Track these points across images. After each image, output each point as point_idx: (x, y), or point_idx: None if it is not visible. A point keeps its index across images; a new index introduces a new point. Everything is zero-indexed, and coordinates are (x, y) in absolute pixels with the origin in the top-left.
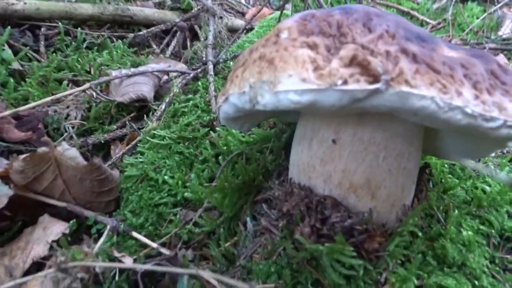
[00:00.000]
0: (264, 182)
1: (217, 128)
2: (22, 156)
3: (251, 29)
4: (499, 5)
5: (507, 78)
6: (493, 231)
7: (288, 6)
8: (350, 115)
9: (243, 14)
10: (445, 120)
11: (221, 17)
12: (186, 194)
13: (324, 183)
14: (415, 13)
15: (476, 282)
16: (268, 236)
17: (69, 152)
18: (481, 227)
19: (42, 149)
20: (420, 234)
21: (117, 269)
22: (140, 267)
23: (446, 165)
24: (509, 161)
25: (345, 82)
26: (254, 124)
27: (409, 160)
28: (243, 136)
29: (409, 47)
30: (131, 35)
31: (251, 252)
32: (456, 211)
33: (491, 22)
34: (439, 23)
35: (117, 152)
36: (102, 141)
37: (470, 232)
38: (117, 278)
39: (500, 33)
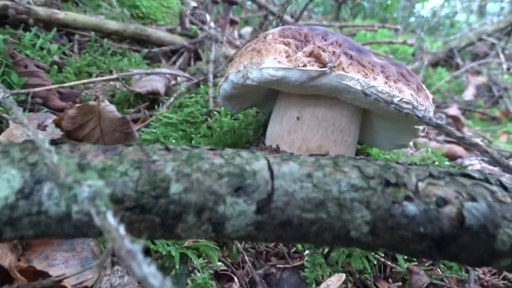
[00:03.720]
0: (245, 145)
1: (214, 116)
2: (76, 105)
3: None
4: (461, 70)
5: (411, 78)
6: None
7: None
8: (311, 99)
9: (236, 47)
10: (364, 97)
11: (221, 42)
12: None
13: (289, 148)
14: None
15: None
16: None
17: (109, 107)
18: None
19: (91, 102)
20: None
21: None
22: None
23: (380, 154)
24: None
25: (304, 65)
26: (243, 106)
27: (349, 135)
28: (233, 122)
29: (348, 52)
30: (146, 50)
31: None
32: None
33: (456, 86)
34: None
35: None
36: None
37: None
38: None
39: (463, 95)
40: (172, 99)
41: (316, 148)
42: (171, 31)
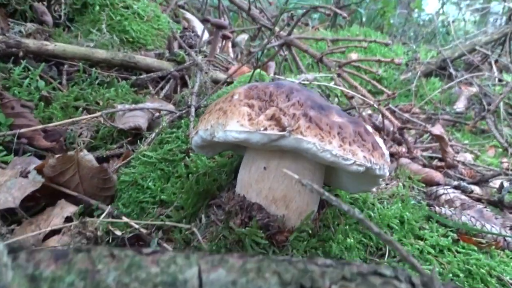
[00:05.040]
0: (216, 192)
1: (191, 155)
2: (56, 156)
3: (231, 82)
4: (455, 81)
5: (367, 137)
6: (372, 243)
7: (272, 63)
8: (276, 152)
9: (227, 69)
10: (321, 157)
11: (206, 73)
12: (162, 197)
13: (257, 196)
14: (375, 82)
15: None
16: (214, 227)
17: (87, 156)
18: (363, 239)
19: (70, 153)
20: (310, 231)
21: (111, 237)
22: (143, 222)
23: (349, 198)
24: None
25: (265, 129)
26: (215, 152)
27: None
28: (209, 162)
29: (309, 112)
30: (134, 77)
31: (202, 237)
32: (347, 226)
33: (448, 97)
34: (393, 93)
35: (115, 165)
36: (104, 156)
37: (353, 241)
38: (110, 242)
39: (454, 107)
40: (153, 134)
41: (281, 198)
42: (160, 55)
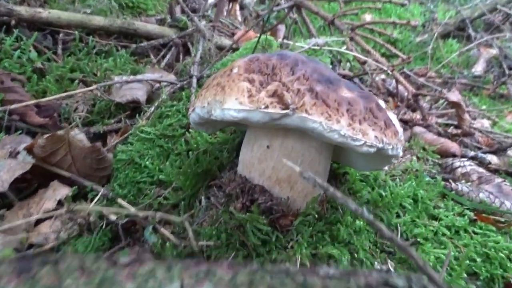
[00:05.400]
0: (217, 171)
1: (191, 130)
2: (45, 135)
3: (237, 49)
4: (474, 43)
5: (379, 114)
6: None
7: (281, 26)
8: (280, 130)
9: (233, 34)
10: (328, 137)
11: (209, 40)
12: (161, 176)
13: (259, 176)
14: (389, 46)
15: (356, 255)
16: (214, 210)
17: (78, 136)
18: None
19: (59, 132)
20: (316, 215)
21: (105, 222)
22: (139, 213)
23: (359, 175)
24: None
25: (266, 107)
26: (216, 129)
27: (319, 165)
28: (210, 138)
29: (315, 87)
30: (134, 45)
31: (201, 221)
32: None
33: (466, 60)
34: (408, 57)
35: (112, 141)
36: (101, 132)
37: (362, 223)
38: (103, 227)
39: (472, 70)
40: (153, 108)
41: (286, 179)
42: (161, 21)
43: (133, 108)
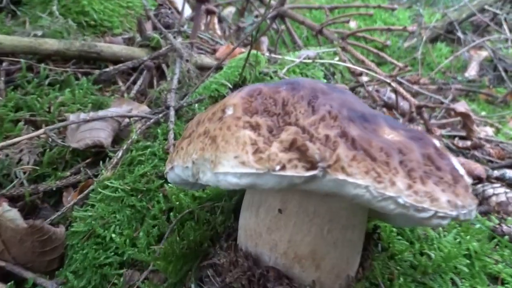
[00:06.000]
0: (211, 246)
1: None
2: None
3: (221, 68)
4: (467, 47)
5: (442, 163)
6: None
7: (264, 39)
8: None
9: (214, 51)
10: (380, 208)
11: (187, 60)
12: (131, 252)
13: (270, 251)
14: (384, 54)
15: None
16: None
17: (9, 213)
18: None
19: None
20: None
21: None
22: None
23: (395, 227)
24: None
25: (283, 168)
26: (202, 187)
27: (353, 232)
28: (197, 191)
29: (349, 131)
30: (97, 71)
31: None
32: (402, 279)
33: (458, 63)
34: (406, 66)
35: (69, 200)
36: (54, 188)
37: None
38: None
39: (466, 74)
40: (121, 152)
41: (309, 254)
42: (129, 40)
43: (96, 154)
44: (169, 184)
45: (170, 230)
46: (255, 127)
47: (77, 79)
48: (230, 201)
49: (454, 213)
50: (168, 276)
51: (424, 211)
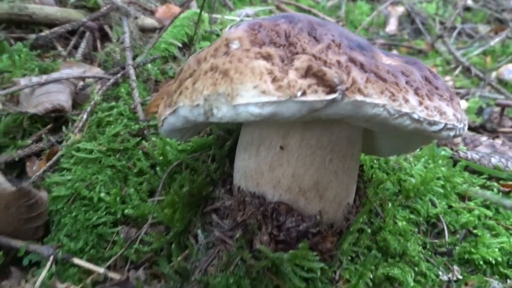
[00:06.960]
0: (211, 192)
1: (150, 137)
2: None
3: (161, 28)
4: (385, 4)
5: (438, 82)
6: (421, 219)
7: (193, 3)
8: (298, 122)
9: (152, 12)
10: (395, 126)
11: (136, 17)
12: (126, 211)
13: (274, 189)
14: (315, 11)
15: (416, 269)
16: (223, 247)
17: None
18: (411, 216)
19: None
20: (368, 230)
21: None
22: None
23: (375, 161)
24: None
25: (304, 93)
26: (195, 134)
27: (352, 160)
28: (179, 144)
29: (355, 57)
30: (33, 36)
31: (205, 265)
32: (390, 204)
33: (378, 19)
34: (338, 21)
35: (35, 170)
36: (16, 159)
37: (404, 223)
38: None
39: (387, 29)
40: (85, 115)
41: (313, 186)
42: (61, 3)
43: (56, 119)
44: (146, 140)
45: (162, 183)
46: (267, 57)
47: (10, 45)
48: (221, 149)
49: (459, 124)
50: (173, 225)
51: (435, 124)
